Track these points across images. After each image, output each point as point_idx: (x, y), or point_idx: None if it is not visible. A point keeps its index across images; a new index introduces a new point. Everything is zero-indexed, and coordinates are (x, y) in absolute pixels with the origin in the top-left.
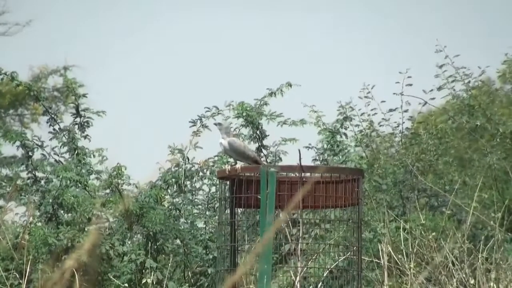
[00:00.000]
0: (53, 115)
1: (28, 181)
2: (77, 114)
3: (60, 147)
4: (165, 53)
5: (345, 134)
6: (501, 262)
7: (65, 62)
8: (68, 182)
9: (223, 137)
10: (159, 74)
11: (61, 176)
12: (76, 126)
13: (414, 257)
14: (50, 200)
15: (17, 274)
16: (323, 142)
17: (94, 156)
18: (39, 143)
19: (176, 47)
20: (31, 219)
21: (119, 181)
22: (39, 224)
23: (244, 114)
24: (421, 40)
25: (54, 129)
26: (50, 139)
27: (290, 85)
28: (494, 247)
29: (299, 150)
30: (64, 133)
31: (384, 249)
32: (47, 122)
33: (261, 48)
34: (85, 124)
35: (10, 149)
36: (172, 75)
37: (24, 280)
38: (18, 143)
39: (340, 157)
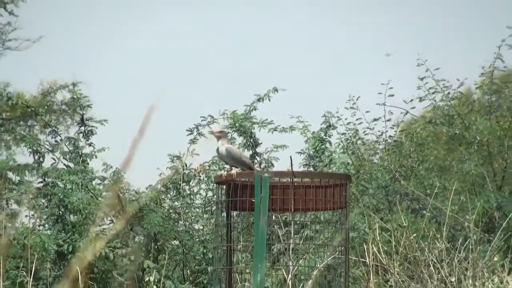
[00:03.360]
0: (54, 128)
1: (40, 184)
2: (82, 123)
3: (62, 156)
4: (162, 59)
5: (329, 142)
6: (478, 261)
7: (73, 77)
8: (72, 185)
9: (221, 144)
10: (157, 82)
11: (65, 180)
12: (81, 135)
13: (398, 256)
14: (56, 203)
15: (24, 273)
16: (309, 150)
17: (96, 157)
18: (50, 148)
19: (172, 54)
20: (37, 221)
21: (120, 185)
22: (46, 226)
23: (237, 124)
24: (404, 53)
25: (55, 141)
26: (52, 150)
27: (276, 90)
28: (470, 247)
29: (290, 157)
30: (68, 140)
31: (370, 249)
32: (48, 134)
33: (253, 56)
34: (89, 132)
35: (23, 158)
36: (169, 81)
37: (30, 278)
38: (30, 149)
39: (326, 161)
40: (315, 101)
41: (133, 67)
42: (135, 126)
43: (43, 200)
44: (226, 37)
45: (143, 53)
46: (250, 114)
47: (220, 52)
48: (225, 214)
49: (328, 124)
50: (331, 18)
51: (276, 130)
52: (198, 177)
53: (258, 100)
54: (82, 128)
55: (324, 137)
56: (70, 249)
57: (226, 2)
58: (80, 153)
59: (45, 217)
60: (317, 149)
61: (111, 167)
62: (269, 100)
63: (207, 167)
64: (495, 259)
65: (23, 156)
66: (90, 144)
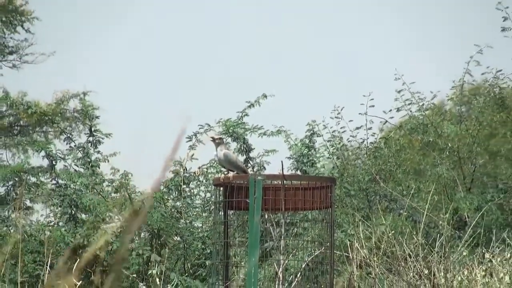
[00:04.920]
0: (68, 135)
1: (53, 186)
2: (90, 134)
3: (76, 161)
4: (164, 67)
5: (313, 148)
6: (449, 255)
7: (84, 88)
8: (81, 186)
9: (219, 149)
10: (161, 91)
11: (77, 182)
12: (90, 144)
13: (378, 251)
14: (68, 202)
15: (41, 266)
16: (295, 155)
17: (108, 161)
18: (62, 156)
19: (174, 60)
20: (52, 219)
21: (128, 186)
22: (61, 223)
23: (230, 130)
24: (384, 67)
25: (70, 146)
26: (66, 156)
27: (266, 96)
28: (443, 243)
29: (281, 162)
30: (80, 149)
31: (354, 245)
32: (64, 141)
33: (248, 67)
34: (97, 142)
35: (37, 160)
36: (171, 86)
37: (46, 271)
38: (43, 153)
39: (314, 172)
40: (304, 109)
41: (136, 74)
42: (138, 129)
43: (56, 201)
44: (223, 46)
45: (145, 60)
46: (242, 120)
47: (217, 61)
48: (222, 213)
49: (312, 132)
50: (320, 31)
51: (265, 135)
52: (197, 180)
53: (249, 106)
54: (91, 138)
55: (309, 143)
56: (86, 242)
57: (221, 12)
58: (89, 160)
59: (58, 215)
60: (303, 154)
61: (118, 170)
62: (259, 105)
63: (205, 170)
64: (465, 253)
65: (39, 159)
66: (98, 152)
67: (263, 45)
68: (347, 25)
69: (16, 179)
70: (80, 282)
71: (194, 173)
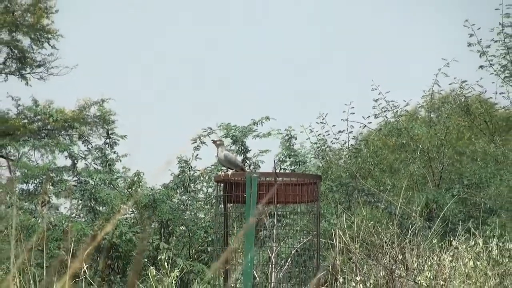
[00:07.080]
0: (86, 138)
1: (74, 183)
2: (107, 136)
3: (95, 160)
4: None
5: (293, 149)
6: (421, 243)
7: (102, 95)
8: (99, 181)
9: (220, 150)
10: (166, 98)
11: (96, 178)
12: (107, 145)
13: (358, 239)
14: (88, 196)
15: (64, 252)
16: (281, 155)
17: (120, 161)
18: (83, 156)
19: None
20: (74, 211)
21: (139, 184)
22: (81, 215)
23: (230, 134)
24: (362, 79)
25: (88, 148)
26: (85, 156)
27: (268, 118)
28: (415, 232)
29: (274, 161)
30: (97, 150)
31: (337, 234)
32: (82, 143)
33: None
34: (113, 143)
35: (62, 160)
36: (176, 97)
37: (69, 255)
38: (66, 153)
39: (298, 166)
40: (298, 114)
41: (142, 78)
42: (149, 133)
43: (77, 195)
44: (222, 49)
45: (148, 63)
46: (247, 133)
47: (215, 63)
48: (222, 206)
49: (290, 136)
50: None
51: (258, 137)
52: (201, 178)
53: (254, 123)
54: (108, 140)
55: (289, 146)
56: (102, 234)
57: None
58: (106, 159)
59: (80, 208)
60: (285, 155)
61: (129, 169)
62: (262, 125)
63: (209, 172)
64: (434, 241)
65: (63, 159)
66: (114, 152)
67: (259, 50)
68: (335, 36)
69: (44, 176)
70: (86, 266)
71: (199, 170)
